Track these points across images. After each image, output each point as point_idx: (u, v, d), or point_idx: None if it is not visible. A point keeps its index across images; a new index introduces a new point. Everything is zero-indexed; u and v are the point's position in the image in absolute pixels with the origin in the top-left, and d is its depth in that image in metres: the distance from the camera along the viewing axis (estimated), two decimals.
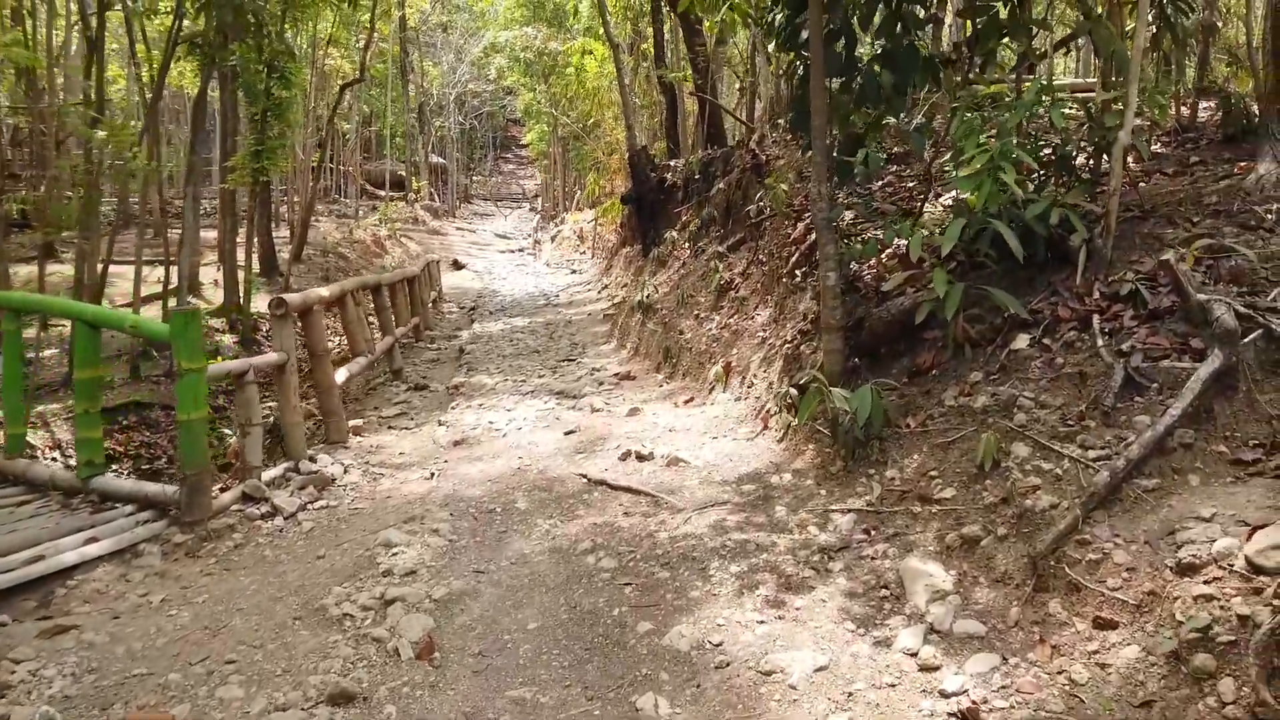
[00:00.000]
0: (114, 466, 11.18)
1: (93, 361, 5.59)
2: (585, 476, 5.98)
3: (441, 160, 45.17)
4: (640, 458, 6.19)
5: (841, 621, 3.81)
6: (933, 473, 4.52)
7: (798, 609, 3.95)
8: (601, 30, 20.30)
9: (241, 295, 16.50)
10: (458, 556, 4.89)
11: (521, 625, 4.13)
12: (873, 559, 4.23)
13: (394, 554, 4.86)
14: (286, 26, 18.83)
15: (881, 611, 3.85)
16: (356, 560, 4.89)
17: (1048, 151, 5.66)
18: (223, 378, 5.91)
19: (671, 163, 16.28)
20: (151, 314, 16.59)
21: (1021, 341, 4.82)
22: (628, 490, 5.63)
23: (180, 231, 15.86)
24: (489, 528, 5.31)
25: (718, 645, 3.73)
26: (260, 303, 18.79)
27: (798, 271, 7.34)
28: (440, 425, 7.89)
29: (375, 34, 26.69)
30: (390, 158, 38.38)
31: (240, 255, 17.24)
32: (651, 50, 20.42)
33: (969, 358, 5.01)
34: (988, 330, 5.05)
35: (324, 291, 8.00)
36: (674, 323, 9.95)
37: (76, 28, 20.75)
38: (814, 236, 6.55)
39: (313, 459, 6.59)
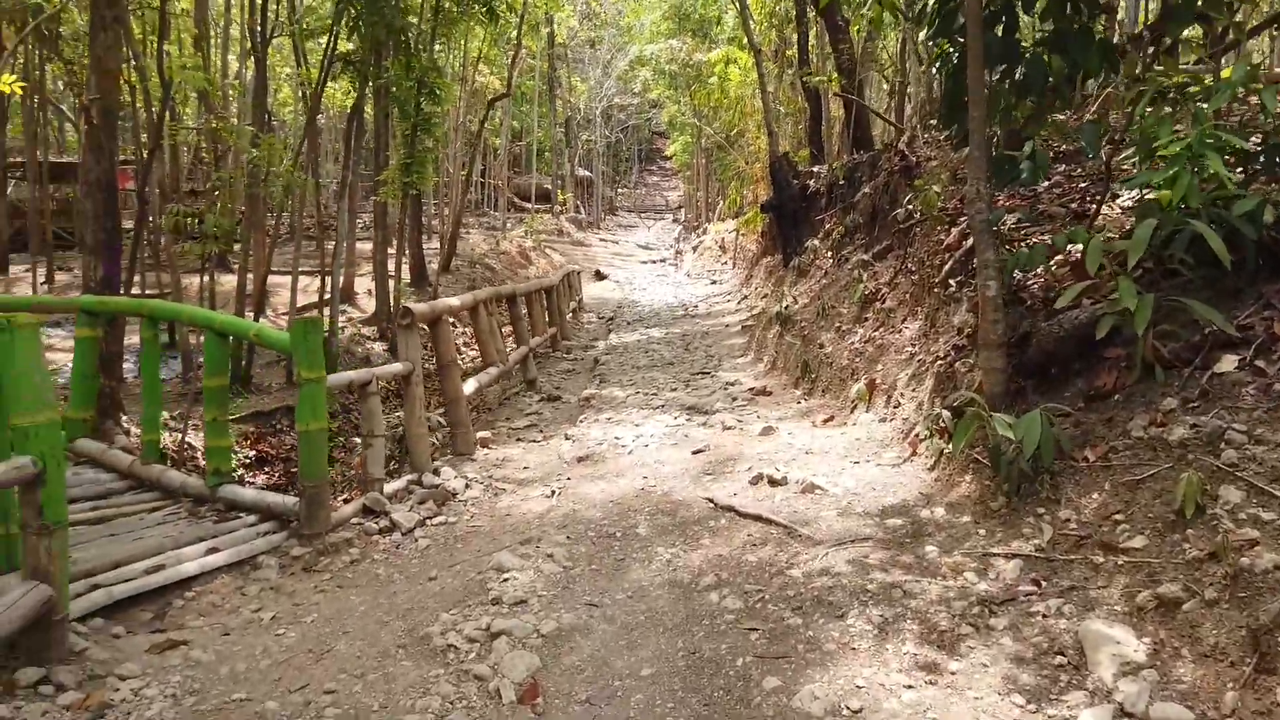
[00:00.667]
0: (266, 469, 11.50)
1: (222, 370, 5.55)
2: (712, 501, 5.51)
3: (587, 173, 45.70)
4: (773, 482, 5.67)
5: (1007, 693, 3.19)
6: (1117, 516, 3.81)
7: (953, 673, 3.35)
8: (744, 39, 19.82)
9: (392, 304, 16.88)
10: (571, 586, 4.51)
11: (634, 670, 3.69)
12: (1044, 616, 3.57)
13: (505, 579, 4.52)
14: (438, 46, 19.27)
15: (1057, 684, 3.20)
16: (467, 584, 4.59)
17: (1256, 140, 4.81)
18: (345, 387, 5.76)
19: (814, 169, 15.61)
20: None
21: (1228, 363, 4.04)
22: (757, 519, 5.12)
23: (341, 242, 16.37)
24: (606, 554, 4.91)
25: (856, 713, 3.18)
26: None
27: (951, 281, 6.63)
28: (566, 440, 7.58)
29: (523, 51, 27.10)
30: (537, 171, 39.05)
31: (392, 266, 17.69)
32: (795, 56, 19.79)
33: (1161, 381, 4.25)
34: (1184, 349, 4.28)
35: (454, 301, 7.85)
36: (814, 335, 9.34)
37: (240, 51, 21.94)
38: (970, 242, 5.86)
39: (436, 472, 6.39)
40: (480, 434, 7.66)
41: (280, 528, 5.29)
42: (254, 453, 11.76)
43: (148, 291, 17.39)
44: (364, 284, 19.87)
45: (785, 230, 14.95)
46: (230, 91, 21.21)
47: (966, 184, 5.39)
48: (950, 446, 5.07)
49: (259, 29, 15.24)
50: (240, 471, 10.53)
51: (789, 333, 10.14)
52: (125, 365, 9.20)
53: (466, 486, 6.22)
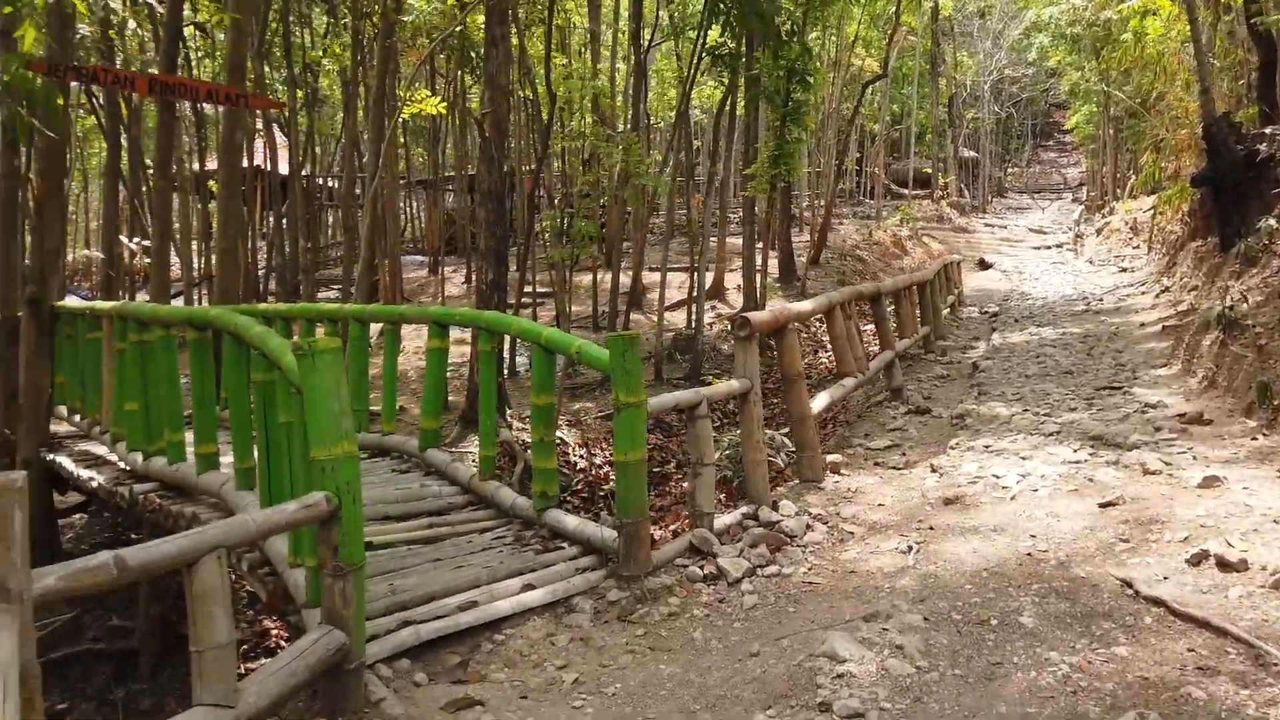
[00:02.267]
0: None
1: (548, 387, 5.13)
2: (1130, 585, 4.03)
3: (973, 154, 42.16)
4: (1225, 565, 4.03)
5: None
6: None
7: None
8: None
9: (759, 300, 16.35)
10: (924, 698, 3.39)
11: None
12: None
13: (839, 674, 3.52)
14: (810, 30, 18.34)
15: None
16: (792, 672, 3.65)
17: None
18: (671, 410, 5.08)
19: (1266, 131, 12.36)
20: (677, 318, 17.23)
21: None
22: (1203, 625, 3.59)
23: (708, 240, 16.16)
24: (975, 651, 3.69)
25: None
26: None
27: None
28: (932, 472, 6.30)
29: (902, 29, 25.25)
30: (916, 155, 36.61)
31: (759, 261, 17.13)
32: None
33: None
34: None
35: (803, 306, 6.92)
36: (1273, 347, 7.06)
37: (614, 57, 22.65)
38: None
39: (775, 504, 5.52)
40: (830, 457, 6.66)
41: (599, 563, 4.75)
42: (651, 446, 11.67)
43: (539, 289, 18.57)
44: (734, 279, 19.60)
45: (1224, 207, 12.01)
46: (618, 96, 21.99)
47: None
48: None
49: (637, 31, 15.41)
50: (599, 471, 10.55)
51: (1235, 341, 7.83)
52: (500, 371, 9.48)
53: (807, 527, 5.27)
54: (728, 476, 6.08)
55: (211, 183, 19.71)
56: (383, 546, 4.81)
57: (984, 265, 25.30)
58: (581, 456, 11.30)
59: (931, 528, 5.14)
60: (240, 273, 9.40)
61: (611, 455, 11.91)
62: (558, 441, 10.81)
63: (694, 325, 14.81)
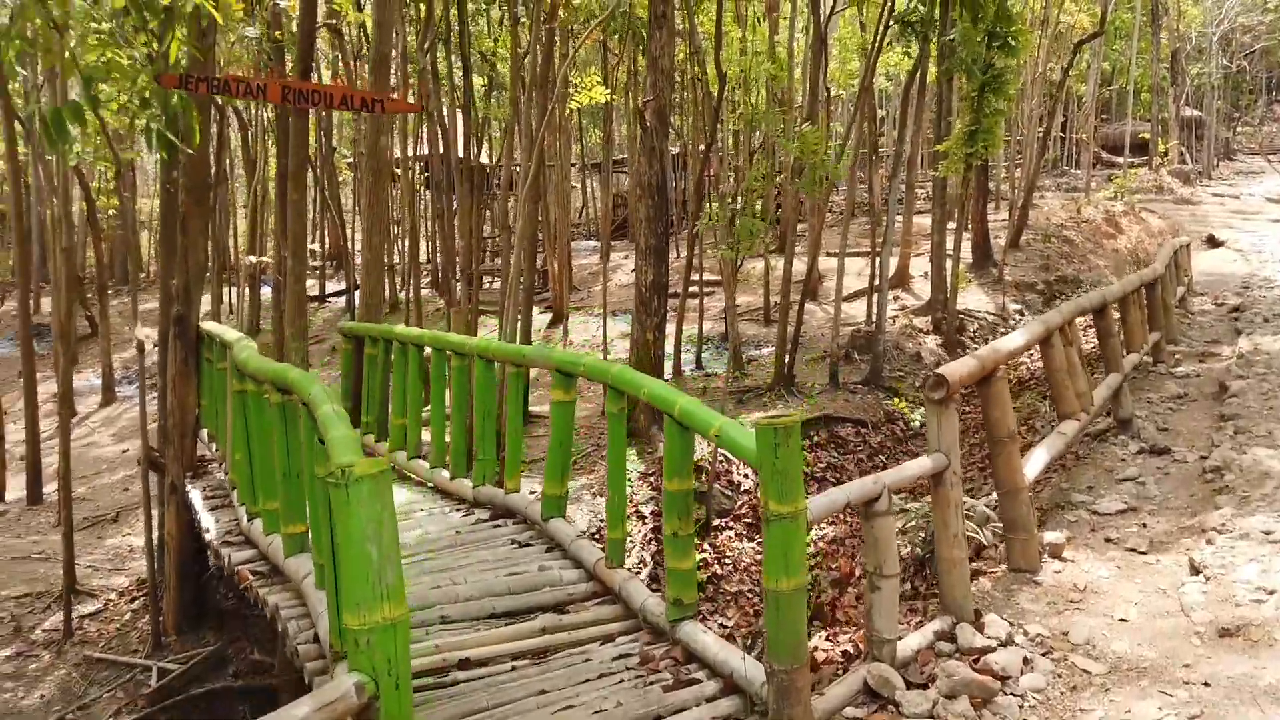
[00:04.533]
0: (836, 474, 10.14)
1: (683, 469, 4.01)
2: None
3: (1196, 113, 37.04)
4: None
5: None
6: None
7: None
8: None
9: (949, 291, 14.49)
10: None
11: None
12: None
13: None
14: None
15: None
16: None
17: None
18: (842, 508, 3.83)
19: None
20: (856, 309, 15.61)
21: None
22: None
23: (893, 222, 14.42)
24: None
25: None
26: (971, 298, 16.57)
27: None
28: (1194, 573, 4.68)
29: None
30: (1132, 117, 32.37)
31: (950, 244, 15.19)
32: None
33: None
34: None
35: (1015, 341, 5.41)
36: None
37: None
38: None
39: (978, 617, 4.16)
40: (1048, 536, 5.16)
41: (743, 709, 3.61)
42: (824, 465, 10.53)
43: (707, 276, 17.36)
44: (921, 265, 17.66)
45: None
46: (796, 68, 20.29)
47: None
48: None
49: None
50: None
51: None
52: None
53: (1025, 662, 3.89)
54: (910, 569, 4.75)
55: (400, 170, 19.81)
56: (481, 664, 3.87)
57: (1213, 243, 21.85)
58: (746, 475, 10.15)
59: (1206, 683, 3.63)
60: (383, 280, 8.88)
61: None
62: (721, 459, 9.73)
63: (874, 320, 13.22)
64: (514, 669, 3.88)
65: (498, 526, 5.34)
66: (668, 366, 12.83)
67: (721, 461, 9.77)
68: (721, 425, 3.56)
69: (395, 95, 7.22)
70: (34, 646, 7.89)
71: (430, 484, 6.39)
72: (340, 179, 23.62)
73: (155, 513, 7.59)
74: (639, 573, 7.58)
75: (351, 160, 23.94)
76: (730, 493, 9.94)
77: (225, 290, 19.53)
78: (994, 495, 5.26)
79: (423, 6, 13.59)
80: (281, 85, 6.65)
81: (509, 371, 5.34)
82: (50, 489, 11.74)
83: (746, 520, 9.64)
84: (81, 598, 8.19)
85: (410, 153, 20.13)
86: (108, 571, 8.99)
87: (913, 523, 5.27)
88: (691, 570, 4.07)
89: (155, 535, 7.54)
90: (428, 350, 6.43)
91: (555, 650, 4.06)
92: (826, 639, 4.53)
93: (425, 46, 13.85)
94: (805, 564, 3.39)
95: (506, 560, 4.83)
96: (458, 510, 5.69)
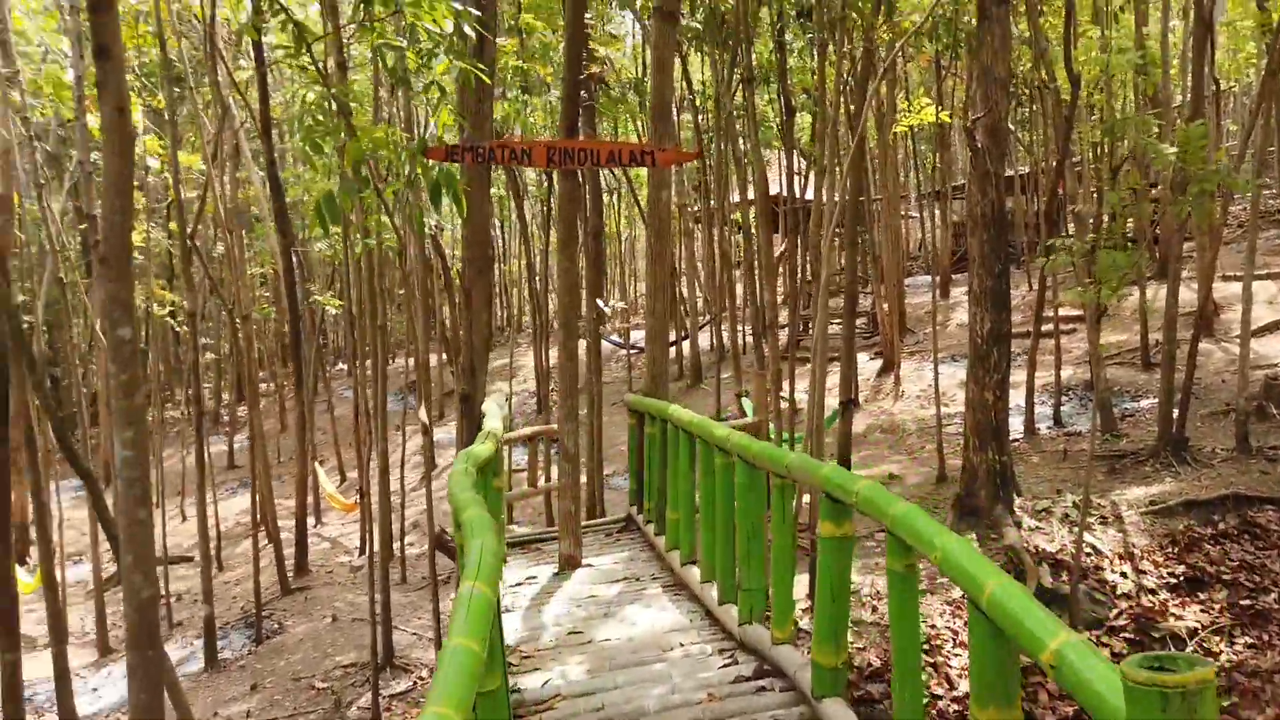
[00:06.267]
0: (1200, 595, 7.55)
1: (1000, 697, 2.47)
2: None
3: None
4: None
5: None
6: None
7: None
8: None
9: None
10: None
11: None
12: None
13: None
14: None
15: None
16: None
17: None
18: None
19: None
20: (1270, 348, 12.11)
21: None
22: None
23: None
24: None
25: None
26: None
27: None
28: None
29: None
30: None
31: None
32: None
33: None
34: None
35: None
36: None
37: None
38: None
39: None
40: None
41: None
42: (1181, 568, 7.99)
43: (1065, 315, 14.57)
44: None
45: None
46: (1173, 63, 16.74)
47: None
48: None
49: None
50: (1154, 598, 7.19)
51: None
52: None
53: None
54: None
55: (735, 216, 19.35)
56: None
57: None
58: (1123, 575, 7.90)
59: None
60: (668, 349, 8.05)
61: (1170, 572, 8.13)
62: (1088, 551, 7.62)
63: None
64: None
65: (761, 692, 3.93)
66: (1016, 423, 10.71)
67: (1089, 554, 7.72)
68: (1064, 645, 2.03)
69: (668, 147, 6.43)
70: None
71: (704, 605, 5.21)
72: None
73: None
74: None
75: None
76: (1103, 595, 7.80)
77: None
78: None
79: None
80: (546, 147, 6.12)
81: (773, 482, 4.04)
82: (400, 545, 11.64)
83: (1126, 635, 7.47)
84: (397, 673, 8.02)
85: (742, 196, 19.61)
86: (428, 641, 8.47)
87: None
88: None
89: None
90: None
91: None
92: None
93: (733, 85, 13.15)
94: None
95: None
96: (719, 652, 4.40)
